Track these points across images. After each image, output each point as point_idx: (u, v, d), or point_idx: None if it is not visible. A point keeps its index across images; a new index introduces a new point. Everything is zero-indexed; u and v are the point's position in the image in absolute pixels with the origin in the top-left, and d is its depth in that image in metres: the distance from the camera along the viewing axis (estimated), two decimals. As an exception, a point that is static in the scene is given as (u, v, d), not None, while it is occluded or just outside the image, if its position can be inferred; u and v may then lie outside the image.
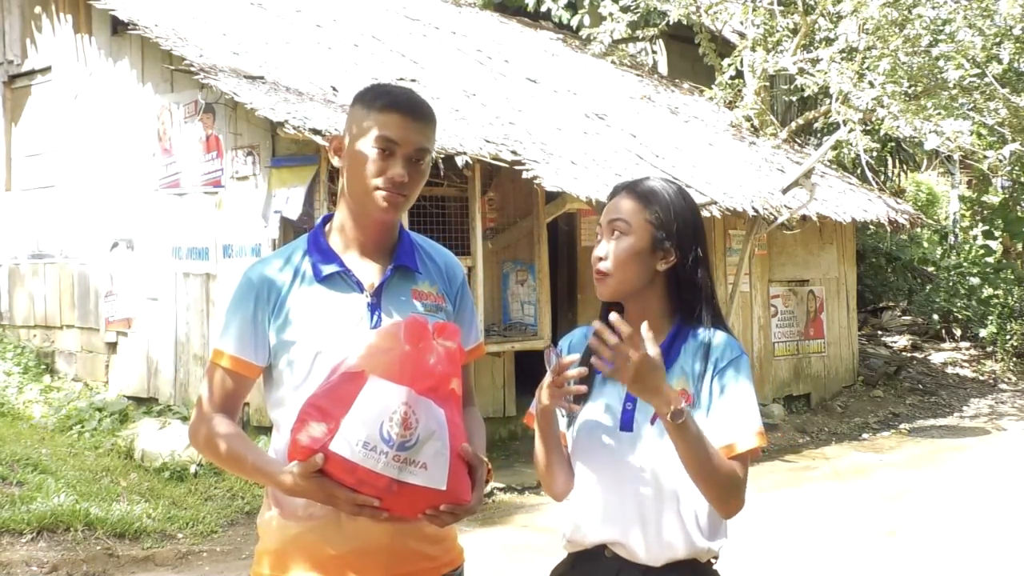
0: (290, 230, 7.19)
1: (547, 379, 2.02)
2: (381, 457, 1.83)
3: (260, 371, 2.11)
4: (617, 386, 2.11)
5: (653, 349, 1.91)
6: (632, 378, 1.91)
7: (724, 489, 2.01)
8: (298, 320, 2.06)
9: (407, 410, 1.84)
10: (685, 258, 2.12)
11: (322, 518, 2.01)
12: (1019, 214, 15.37)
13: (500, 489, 7.45)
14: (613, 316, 1.92)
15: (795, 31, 11.61)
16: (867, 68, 10.54)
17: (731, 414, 2.05)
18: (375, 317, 2.07)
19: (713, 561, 2.15)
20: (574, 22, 13.93)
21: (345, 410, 1.85)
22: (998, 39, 10.51)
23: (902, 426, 10.60)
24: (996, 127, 11.51)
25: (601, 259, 2.11)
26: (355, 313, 2.07)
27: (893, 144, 15.43)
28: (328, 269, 2.09)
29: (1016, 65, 11.28)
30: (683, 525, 2.07)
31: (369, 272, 2.11)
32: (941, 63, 10.27)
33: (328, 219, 2.19)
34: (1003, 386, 12.93)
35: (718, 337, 2.12)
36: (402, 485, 1.85)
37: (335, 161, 2.14)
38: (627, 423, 2.09)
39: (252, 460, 2.03)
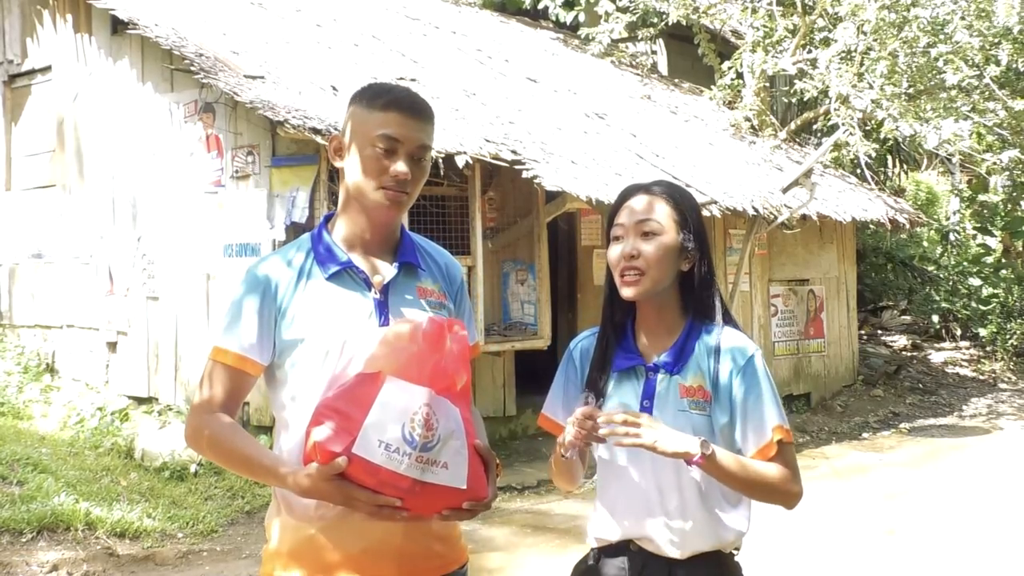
0: (292, 230, 7.20)
1: (573, 422, 2.06)
2: (404, 459, 1.82)
3: (263, 369, 2.09)
4: (633, 384, 2.18)
5: (645, 416, 2.02)
6: (652, 439, 1.99)
7: (776, 492, 2.12)
8: (306, 318, 2.05)
9: (428, 411, 1.84)
10: (701, 258, 2.19)
11: (333, 519, 2.00)
12: (1019, 213, 15.36)
13: (500, 488, 7.43)
14: (593, 410, 2.02)
15: (794, 32, 11.61)
16: (866, 70, 10.54)
17: (755, 419, 2.13)
18: (383, 315, 2.07)
19: (735, 552, 2.21)
20: (569, 19, 13.93)
21: (364, 412, 1.84)
22: (996, 40, 10.51)
23: (902, 425, 10.60)
24: (995, 128, 11.52)
25: (633, 257, 2.12)
26: (363, 311, 2.07)
27: (893, 143, 15.43)
28: (335, 267, 2.09)
29: (1015, 66, 11.28)
30: (706, 518, 2.14)
31: (375, 270, 2.11)
32: (940, 64, 10.27)
33: (330, 217, 2.19)
34: (1003, 385, 12.93)
35: (729, 336, 2.18)
36: (424, 485, 1.85)
37: (336, 162, 2.14)
38: None
39: (263, 462, 2.01)
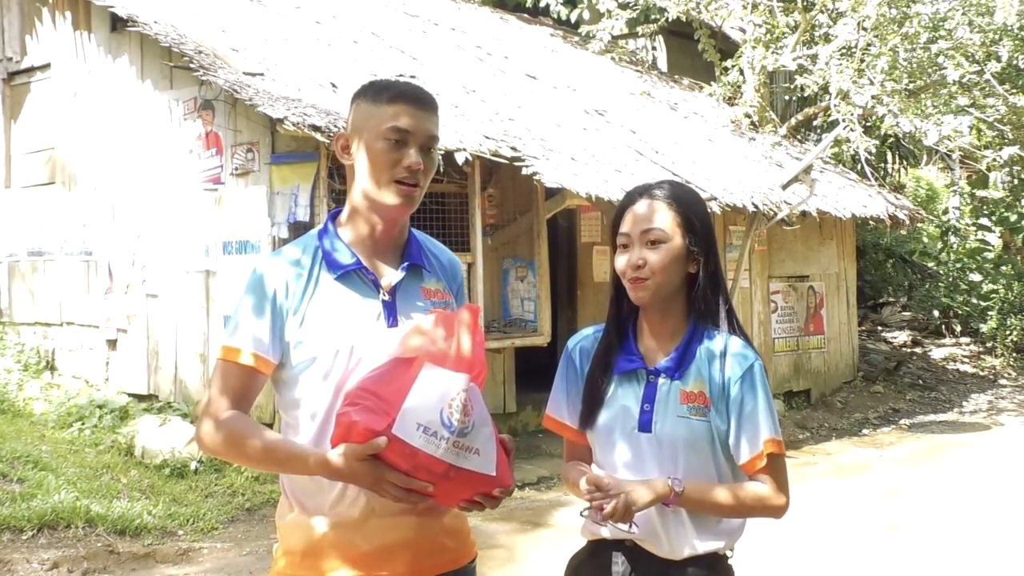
0: (294, 229, 7.19)
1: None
2: (442, 443, 1.83)
3: (274, 368, 2.05)
4: (634, 387, 2.18)
5: (630, 490, 2.04)
6: (636, 507, 2.04)
7: (759, 509, 2.15)
8: (316, 318, 2.03)
9: (466, 397, 1.86)
10: (707, 261, 2.17)
11: (348, 516, 1.99)
12: (1019, 209, 15.36)
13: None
14: (590, 477, 2.07)
15: (795, 28, 11.60)
16: (866, 66, 10.53)
17: (749, 429, 2.13)
18: (391, 317, 2.06)
19: (729, 554, 2.21)
20: (572, 16, 13.93)
21: (402, 395, 1.84)
22: (997, 36, 10.51)
23: (902, 422, 10.60)
24: (995, 123, 11.52)
25: (640, 267, 2.12)
26: (372, 312, 2.06)
27: (893, 140, 15.43)
28: (344, 267, 2.07)
29: (1015, 62, 11.28)
30: (702, 522, 2.14)
31: (383, 271, 2.10)
32: (940, 60, 10.27)
33: (336, 215, 2.16)
34: (1003, 381, 12.93)
35: (732, 344, 2.17)
36: (458, 471, 1.86)
37: (344, 159, 2.11)
38: (645, 424, 2.15)
39: (289, 448, 1.99)
